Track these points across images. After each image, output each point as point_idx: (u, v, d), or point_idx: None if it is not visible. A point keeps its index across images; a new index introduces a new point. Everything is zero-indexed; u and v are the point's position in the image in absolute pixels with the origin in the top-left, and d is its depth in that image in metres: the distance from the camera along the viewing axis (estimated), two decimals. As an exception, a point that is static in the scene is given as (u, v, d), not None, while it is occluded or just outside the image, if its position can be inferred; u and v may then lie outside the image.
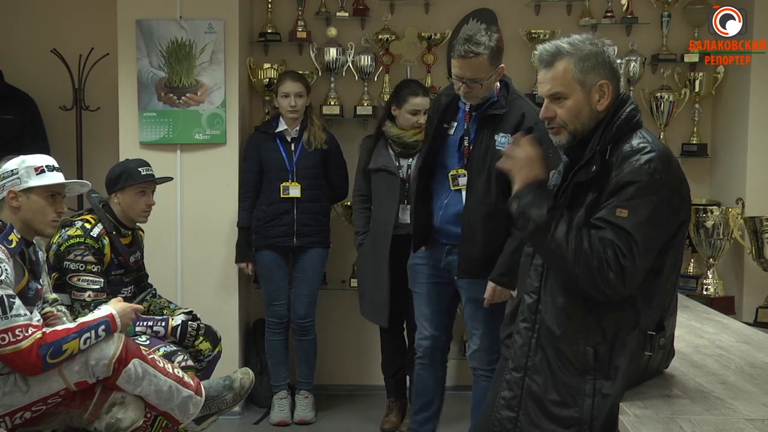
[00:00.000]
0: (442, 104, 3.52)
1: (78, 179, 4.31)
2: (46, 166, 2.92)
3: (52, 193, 2.92)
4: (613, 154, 2.26)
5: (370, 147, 4.26)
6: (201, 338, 3.56)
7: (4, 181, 2.88)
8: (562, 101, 2.32)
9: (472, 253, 3.42)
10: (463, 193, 3.45)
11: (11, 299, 2.68)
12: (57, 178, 2.94)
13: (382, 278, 4.10)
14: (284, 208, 4.36)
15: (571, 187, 2.33)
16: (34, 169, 2.89)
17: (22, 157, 2.93)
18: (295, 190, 4.35)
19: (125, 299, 3.21)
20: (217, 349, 3.64)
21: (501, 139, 3.32)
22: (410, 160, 4.14)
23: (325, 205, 4.49)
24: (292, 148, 4.41)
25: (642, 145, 2.24)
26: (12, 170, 2.88)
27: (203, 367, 3.56)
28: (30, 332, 2.70)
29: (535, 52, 2.40)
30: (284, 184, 4.35)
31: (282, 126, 4.42)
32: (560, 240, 2.23)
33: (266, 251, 4.42)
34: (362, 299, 4.32)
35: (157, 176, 3.65)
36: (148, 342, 3.31)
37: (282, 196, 4.35)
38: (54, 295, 3.29)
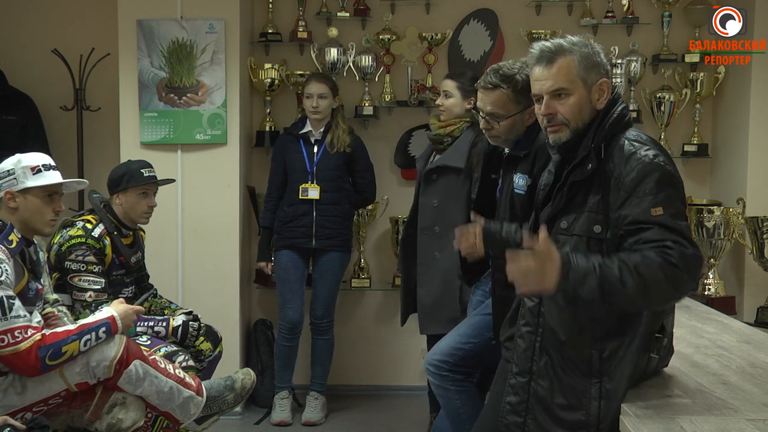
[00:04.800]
0: (485, 151, 3.15)
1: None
2: (43, 165, 2.90)
3: (50, 192, 2.91)
4: (609, 153, 2.26)
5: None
6: (202, 338, 3.57)
7: (0, 182, 2.86)
8: (564, 98, 2.31)
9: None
10: None
11: (11, 300, 2.68)
12: (54, 177, 2.92)
13: (402, 277, 4.00)
14: (303, 210, 4.36)
15: (567, 187, 2.32)
16: (31, 168, 2.87)
17: (18, 157, 2.90)
18: (314, 192, 4.35)
19: (126, 300, 3.21)
20: (218, 350, 3.65)
21: (519, 181, 2.86)
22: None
23: (347, 208, 4.47)
24: (315, 149, 4.41)
25: (639, 141, 2.26)
26: (8, 170, 2.87)
27: (204, 367, 3.56)
28: (29, 334, 2.70)
29: (532, 49, 2.36)
30: (303, 185, 4.36)
31: (307, 127, 4.43)
32: (628, 288, 2.09)
33: (285, 251, 4.42)
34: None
35: (158, 177, 3.65)
36: (149, 342, 3.31)
37: (301, 197, 4.35)
38: (55, 296, 3.29)
